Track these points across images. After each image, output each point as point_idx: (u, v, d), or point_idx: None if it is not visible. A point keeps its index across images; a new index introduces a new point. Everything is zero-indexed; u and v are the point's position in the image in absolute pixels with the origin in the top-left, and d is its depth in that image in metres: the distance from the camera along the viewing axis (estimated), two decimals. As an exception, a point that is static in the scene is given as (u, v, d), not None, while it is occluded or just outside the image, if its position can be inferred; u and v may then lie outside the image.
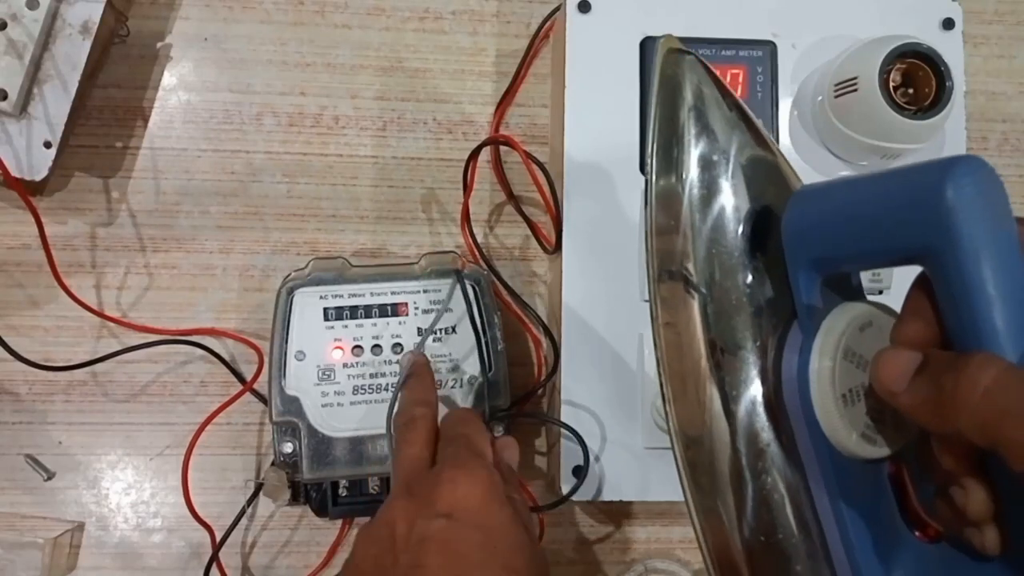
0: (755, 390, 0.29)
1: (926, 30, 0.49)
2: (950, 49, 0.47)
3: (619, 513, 0.53)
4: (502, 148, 0.54)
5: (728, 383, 0.29)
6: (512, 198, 0.54)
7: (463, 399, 0.46)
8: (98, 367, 0.50)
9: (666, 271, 0.31)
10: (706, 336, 0.30)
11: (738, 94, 0.49)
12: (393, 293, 0.47)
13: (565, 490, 0.47)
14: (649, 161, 0.31)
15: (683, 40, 0.48)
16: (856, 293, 0.30)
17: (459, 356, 0.47)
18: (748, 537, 0.29)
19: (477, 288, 0.47)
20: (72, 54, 0.47)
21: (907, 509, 0.29)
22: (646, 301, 0.47)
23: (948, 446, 0.26)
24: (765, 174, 0.31)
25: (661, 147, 0.31)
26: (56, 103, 0.47)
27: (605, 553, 0.53)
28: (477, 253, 0.53)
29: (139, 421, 0.51)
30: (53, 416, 0.51)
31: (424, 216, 0.54)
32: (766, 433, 0.29)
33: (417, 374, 0.43)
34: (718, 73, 0.49)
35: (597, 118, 0.48)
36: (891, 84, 0.45)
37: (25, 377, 0.50)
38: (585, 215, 0.48)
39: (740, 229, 0.30)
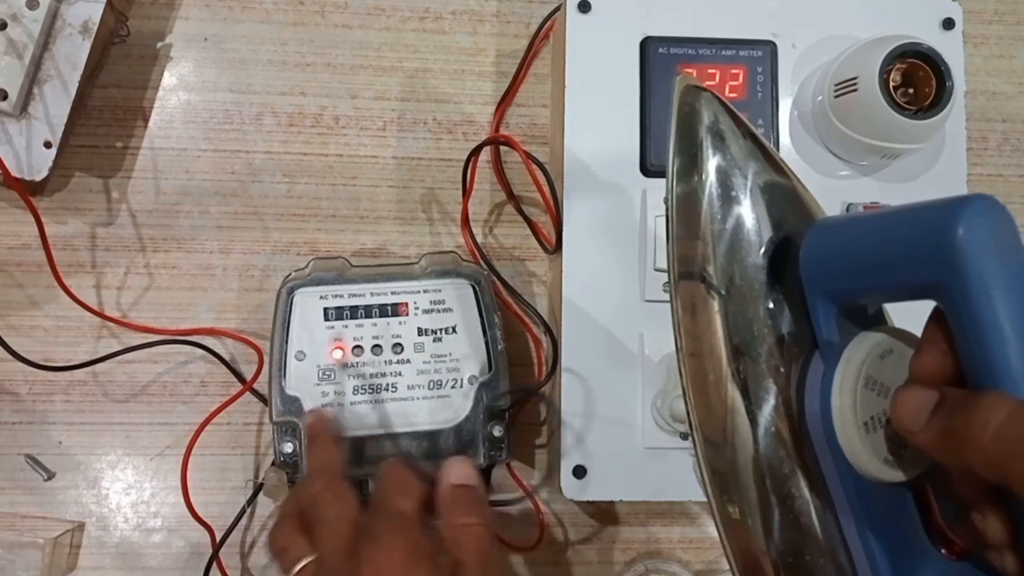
0: (779, 415, 0.30)
1: (926, 30, 0.49)
2: (950, 49, 0.47)
3: (619, 513, 0.53)
4: (502, 148, 0.54)
5: (752, 408, 0.30)
6: (512, 198, 0.54)
7: (463, 399, 0.46)
8: (98, 367, 0.50)
9: (686, 272, 0.31)
10: (729, 357, 0.30)
11: (738, 94, 0.49)
12: (393, 293, 0.47)
13: (566, 489, 0.47)
14: (669, 175, 0.32)
15: (683, 40, 0.49)
16: (877, 320, 0.31)
17: (459, 356, 0.47)
18: (777, 559, 0.29)
19: (477, 288, 0.47)
20: (72, 54, 0.47)
21: (932, 526, 0.30)
22: (647, 301, 0.48)
23: (965, 476, 0.27)
24: (783, 199, 0.31)
25: (680, 159, 0.32)
26: (56, 103, 0.47)
27: (605, 553, 0.53)
28: (477, 253, 0.53)
29: (139, 421, 0.51)
30: (53, 416, 0.51)
31: (424, 216, 0.54)
32: (791, 457, 0.29)
33: (317, 439, 0.41)
34: (718, 73, 0.49)
35: (597, 118, 0.48)
36: (891, 84, 0.45)
37: (25, 377, 0.50)
38: (585, 215, 0.48)
39: (760, 257, 0.30)
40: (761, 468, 0.29)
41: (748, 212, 0.31)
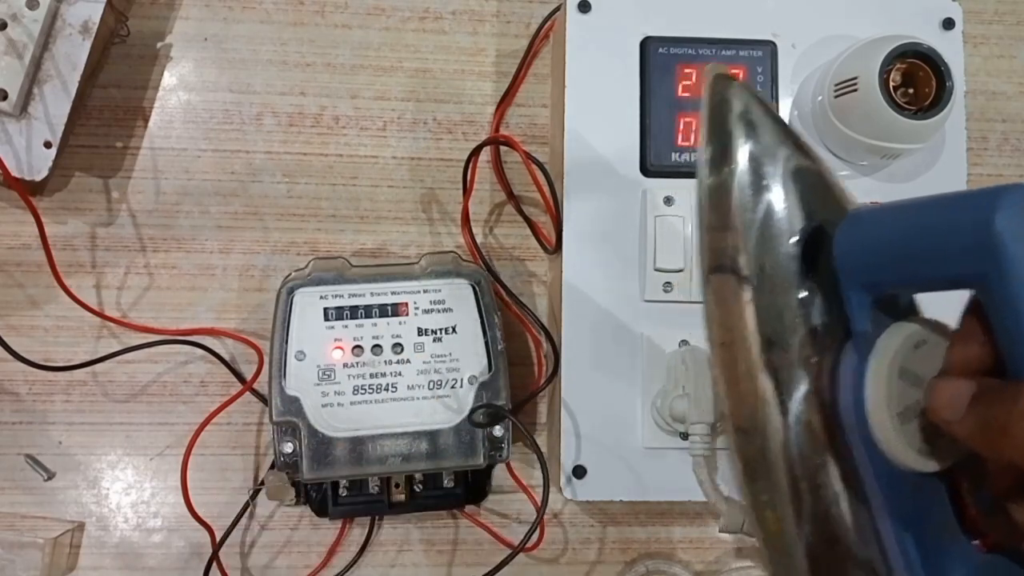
0: (810, 406, 0.29)
1: (926, 30, 0.49)
2: (950, 49, 0.47)
3: (619, 513, 0.53)
4: (502, 148, 0.54)
5: (784, 399, 0.29)
6: (512, 198, 0.54)
7: (463, 399, 0.46)
8: (98, 367, 0.50)
9: (718, 263, 0.31)
10: (761, 348, 0.30)
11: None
12: (393, 293, 0.47)
13: (566, 489, 0.47)
14: (700, 165, 0.32)
15: (684, 40, 0.49)
16: (910, 310, 0.30)
17: (459, 356, 0.47)
18: (808, 547, 0.29)
19: (477, 288, 0.47)
20: (72, 54, 0.47)
21: (965, 517, 0.29)
22: (647, 301, 0.48)
23: (1002, 468, 0.26)
24: (815, 188, 0.31)
25: (711, 149, 0.31)
26: (56, 103, 0.47)
27: (605, 553, 0.53)
28: (477, 253, 0.53)
29: (139, 421, 0.51)
30: (53, 416, 0.51)
31: (424, 216, 0.54)
32: (822, 448, 0.29)
33: None
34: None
35: (597, 118, 0.48)
36: (891, 84, 0.45)
37: (25, 377, 0.50)
38: (585, 215, 0.48)
39: (793, 247, 0.30)
40: (792, 458, 0.29)
41: (780, 201, 0.30)
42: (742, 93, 0.32)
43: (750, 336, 0.30)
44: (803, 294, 0.30)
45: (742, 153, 0.31)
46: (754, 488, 0.30)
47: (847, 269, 0.29)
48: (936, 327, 0.29)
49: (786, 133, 0.32)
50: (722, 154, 0.31)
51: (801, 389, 0.30)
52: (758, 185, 0.31)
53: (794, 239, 0.30)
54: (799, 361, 0.30)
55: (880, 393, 0.28)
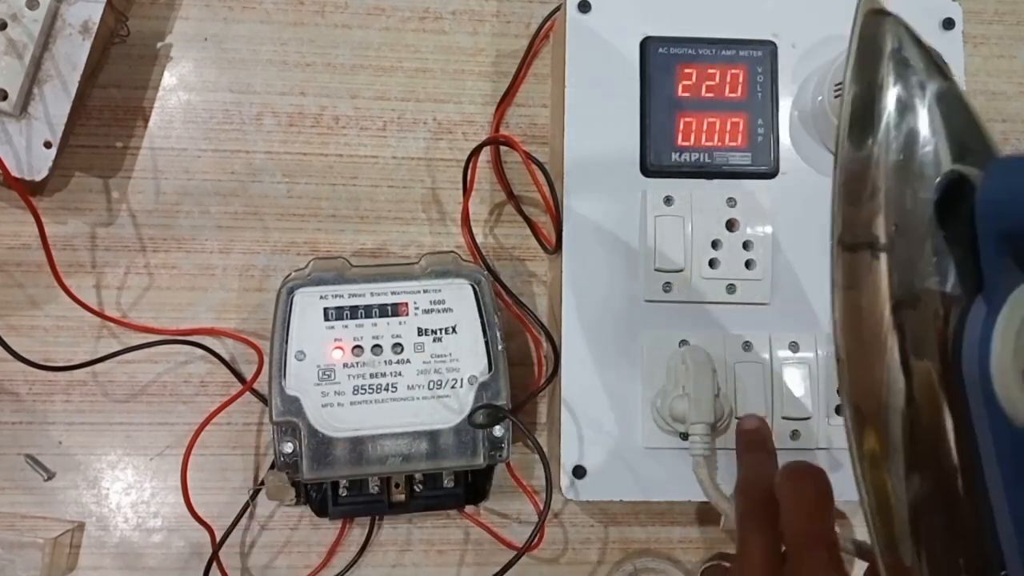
0: (934, 359, 0.29)
1: (926, 30, 0.49)
2: (950, 49, 0.47)
3: (619, 513, 0.53)
4: (502, 148, 0.54)
5: (907, 352, 0.29)
6: (512, 198, 0.54)
7: (463, 399, 0.46)
8: (98, 367, 0.50)
9: (850, 234, 0.30)
10: (889, 297, 0.29)
11: (738, 94, 0.49)
12: (393, 293, 0.47)
13: (565, 489, 0.47)
14: (841, 114, 0.31)
15: (684, 40, 0.49)
16: None
17: (459, 356, 0.47)
18: (913, 501, 0.29)
19: (477, 288, 0.47)
20: (72, 54, 0.47)
21: None
22: (647, 301, 0.48)
23: None
24: (964, 130, 0.30)
25: (854, 101, 0.30)
26: (56, 103, 0.47)
27: (605, 553, 0.53)
28: (477, 253, 0.53)
29: (139, 421, 0.51)
30: (53, 416, 0.51)
31: (424, 216, 0.54)
32: (942, 403, 0.29)
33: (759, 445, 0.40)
34: (718, 73, 0.49)
35: (597, 118, 0.48)
36: (891, 84, 0.45)
37: (25, 377, 0.50)
38: (585, 215, 0.48)
39: (931, 193, 0.29)
40: (909, 411, 0.29)
41: (927, 143, 0.29)
42: (895, 31, 0.31)
43: (879, 285, 0.29)
44: (937, 243, 0.29)
45: (889, 102, 0.30)
46: (863, 437, 0.29)
47: (988, 219, 0.28)
48: None
49: (940, 74, 0.30)
50: (867, 109, 0.30)
51: (926, 341, 0.29)
52: (905, 126, 0.29)
53: (936, 182, 0.29)
54: (927, 314, 0.29)
55: (1007, 348, 0.27)
